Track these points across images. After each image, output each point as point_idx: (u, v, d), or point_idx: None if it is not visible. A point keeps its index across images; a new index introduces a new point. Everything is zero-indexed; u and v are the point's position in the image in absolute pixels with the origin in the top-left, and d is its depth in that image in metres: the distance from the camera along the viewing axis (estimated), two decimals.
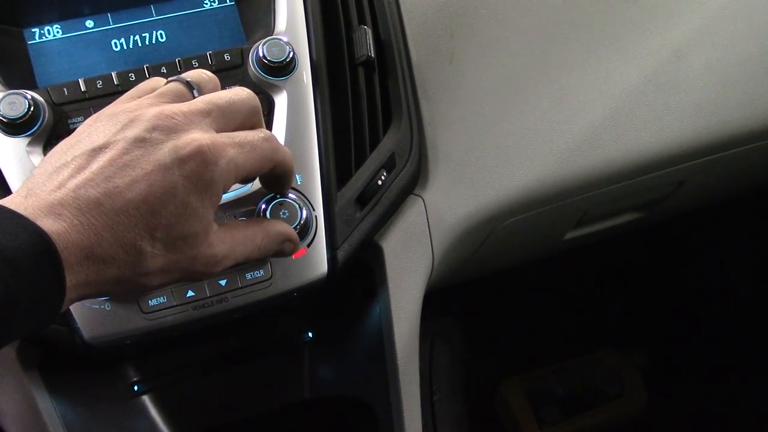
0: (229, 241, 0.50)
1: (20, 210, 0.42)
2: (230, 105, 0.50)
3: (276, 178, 0.55)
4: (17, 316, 0.40)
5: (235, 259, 0.50)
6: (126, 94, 0.52)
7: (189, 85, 0.51)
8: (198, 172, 0.46)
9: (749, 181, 1.06)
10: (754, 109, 0.80)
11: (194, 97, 0.51)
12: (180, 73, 0.59)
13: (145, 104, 0.49)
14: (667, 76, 0.78)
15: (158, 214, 0.44)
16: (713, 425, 1.30)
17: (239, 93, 0.51)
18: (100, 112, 0.50)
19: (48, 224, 0.41)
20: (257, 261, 0.58)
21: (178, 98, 0.50)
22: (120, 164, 0.44)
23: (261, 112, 0.53)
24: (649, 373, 1.32)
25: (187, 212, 0.46)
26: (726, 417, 1.31)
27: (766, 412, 1.30)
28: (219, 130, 0.49)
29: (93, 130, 0.47)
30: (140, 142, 0.45)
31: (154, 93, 0.51)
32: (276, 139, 0.52)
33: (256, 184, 0.58)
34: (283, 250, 0.55)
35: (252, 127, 0.52)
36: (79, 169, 0.45)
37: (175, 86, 0.51)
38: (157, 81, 0.53)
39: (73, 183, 0.44)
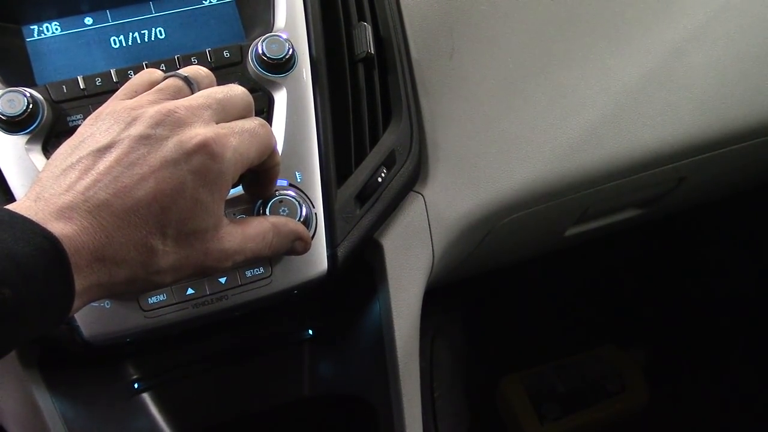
0: (240, 237, 0.50)
1: (30, 215, 0.42)
2: (228, 99, 0.50)
3: (263, 174, 0.54)
4: (27, 320, 0.40)
5: (246, 256, 0.51)
6: (122, 88, 0.52)
7: (187, 80, 0.52)
8: (206, 165, 0.46)
9: (750, 177, 1.06)
10: (755, 106, 0.80)
11: (192, 93, 0.51)
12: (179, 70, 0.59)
13: (145, 101, 0.49)
14: (668, 72, 0.77)
15: (168, 211, 0.45)
16: (714, 422, 1.30)
17: (234, 89, 0.52)
18: (99, 109, 0.50)
19: (58, 228, 0.41)
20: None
21: (177, 94, 0.50)
22: (126, 163, 0.45)
23: (253, 109, 0.53)
24: (650, 369, 1.32)
25: (198, 207, 0.46)
26: (726, 413, 1.31)
27: (766, 409, 1.30)
28: (219, 123, 0.49)
29: (96, 130, 0.47)
30: (145, 139, 0.45)
31: (153, 89, 0.51)
32: (269, 125, 0.52)
33: None
34: (294, 248, 0.55)
35: None
36: (86, 171, 0.45)
37: (173, 82, 0.51)
38: (152, 73, 0.53)
39: (81, 185, 0.44)
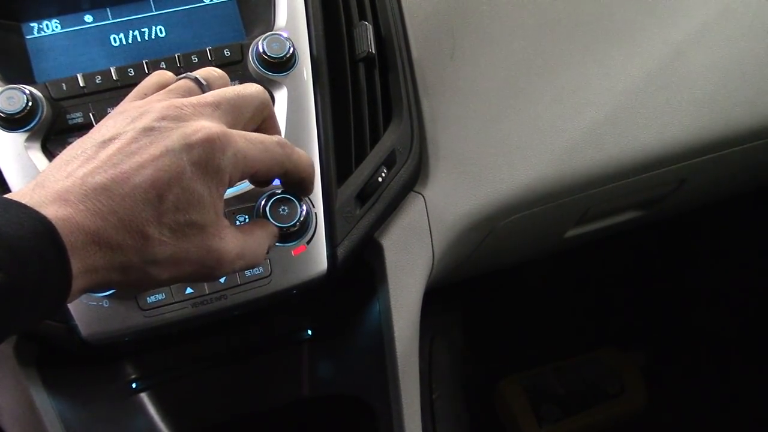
0: (241, 241, 0.50)
1: (26, 201, 0.42)
2: (239, 98, 0.50)
3: (295, 183, 0.55)
4: (22, 305, 0.40)
5: (246, 263, 0.51)
6: (133, 91, 0.53)
7: (198, 81, 0.52)
8: (205, 158, 0.46)
9: (751, 179, 1.06)
10: (756, 107, 0.80)
11: (203, 93, 0.51)
12: (179, 68, 0.60)
13: (154, 99, 0.49)
14: (669, 73, 0.77)
15: (165, 199, 0.44)
16: (713, 424, 1.30)
17: (248, 87, 0.51)
18: (111, 112, 0.50)
19: (52, 211, 0.41)
20: None
21: (188, 94, 0.51)
22: (128, 152, 0.45)
23: (271, 105, 0.53)
24: (649, 371, 1.32)
25: (194, 198, 0.46)
26: (726, 416, 1.31)
27: (766, 410, 1.30)
28: (229, 123, 0.49)
29: (103, 126, 0.48)
30: (149, 130, 0.46)
31: (164, 90, 0.51)
32: (291, 146, 0.52)
33: None
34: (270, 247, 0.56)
35: (263, 122, 0.53)
36: (88, 159, 0.45)
37: (184, 83, 0.52)
38: (162, 75, 0.54)
39: (80, 172, 0.44)
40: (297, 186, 0.55)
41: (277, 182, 0.58)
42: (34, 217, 0.40)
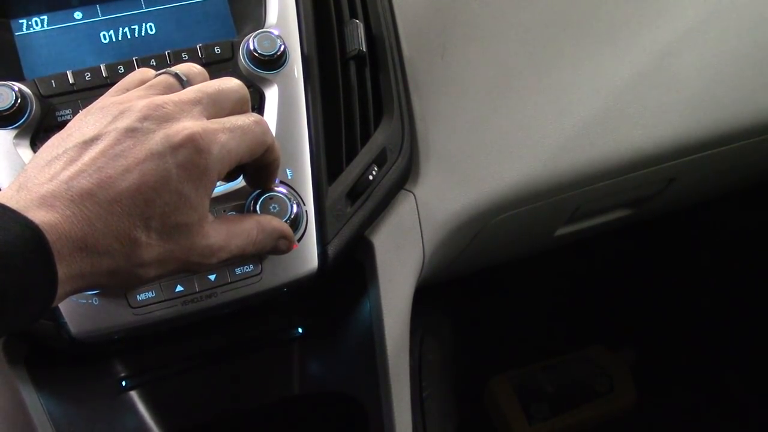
0: (224, 233, 0.49)
1: (11, 204, 0.41)
2: (220, 93, 0.50)
3: (263, 168, 0.54)
4: (8, 310, 0.40)
5: (231, 252, 0.50)
6: (115, 86, 0.52)
7: (178, 77, 0.51)
8: (191, 159, 0.45)
9: (740, 178, 1.07)
10: (746, 106, 0.80)
11: (184, 89, 0.51)
12: (170, 65, 0.59)
13: (135, 96, 0.49)
14: (659, 72, 0.78)
15: (152, 203, 0.44)
16: (702, 423, 1.30)
17: (228, 82, 0.51)
18: (90, 105, 0.50)
19: (39, 216, 0.41)
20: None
21: (168, 90, 0.50)
22: (112, 154, 0.44)
23: (249, 101, 0.53)
24: (639, 370, 1.33)
25: (182, 201, 0.45)
26: (714, 414, 1.31)
27: (754, 409, 1.31)
28: (210, 119, 0.49)
29: (84, 124, 0.47)
30: (131, 131, 0.45)
31: (144, 85, 0.51)
32: (266, 122, 0.52)
33: None
34: (278, 247, 0.55)
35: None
36: (71, 161, 0.44)
37: (164, 78, 0.51)
38: (145, 72, 0.53)
39: (65, 175, 0.43)
40: (266, 169, 0.55)
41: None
42: (21, 222, 0.40)
